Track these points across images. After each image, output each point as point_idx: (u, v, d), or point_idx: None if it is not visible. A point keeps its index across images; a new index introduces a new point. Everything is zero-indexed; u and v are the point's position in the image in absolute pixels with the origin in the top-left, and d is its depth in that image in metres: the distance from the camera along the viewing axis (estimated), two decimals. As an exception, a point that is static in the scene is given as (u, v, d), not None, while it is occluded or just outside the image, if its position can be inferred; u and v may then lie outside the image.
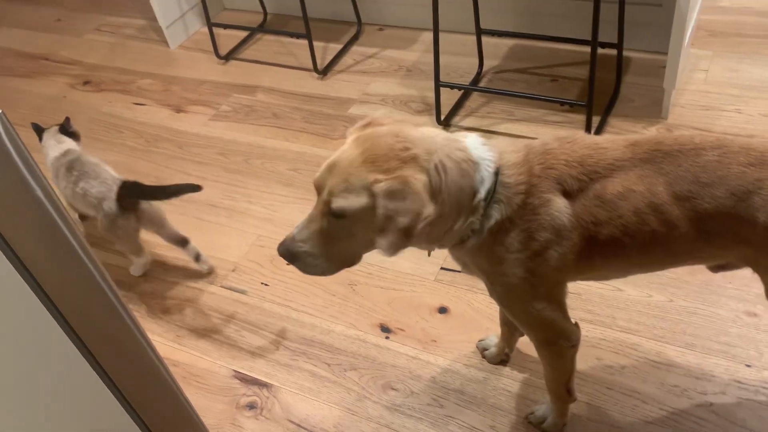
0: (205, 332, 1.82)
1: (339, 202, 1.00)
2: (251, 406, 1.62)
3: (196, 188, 1.77)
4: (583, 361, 1.58)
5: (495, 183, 1.08)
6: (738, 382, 1.48)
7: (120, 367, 1.13)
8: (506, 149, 1.13)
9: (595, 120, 2.20)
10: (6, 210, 0.86)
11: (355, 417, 1.56)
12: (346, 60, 2.78)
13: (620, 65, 2.28)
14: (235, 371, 1.71)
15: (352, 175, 1.00)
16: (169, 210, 2.25)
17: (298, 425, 1.56)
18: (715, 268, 1.27)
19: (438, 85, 2.25)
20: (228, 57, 2.93)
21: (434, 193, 1.02)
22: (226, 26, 2.94)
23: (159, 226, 1.91)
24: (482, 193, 1.07)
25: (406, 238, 1.00)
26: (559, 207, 1.10)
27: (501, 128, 2.29)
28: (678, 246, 1.13)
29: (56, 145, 2.01)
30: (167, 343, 1.81)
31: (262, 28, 3.06)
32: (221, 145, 2.47)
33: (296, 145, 2.39)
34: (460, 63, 2.59)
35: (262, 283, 1.92)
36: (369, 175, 1.00)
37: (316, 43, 2.84)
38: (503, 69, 2.54)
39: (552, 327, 1.25)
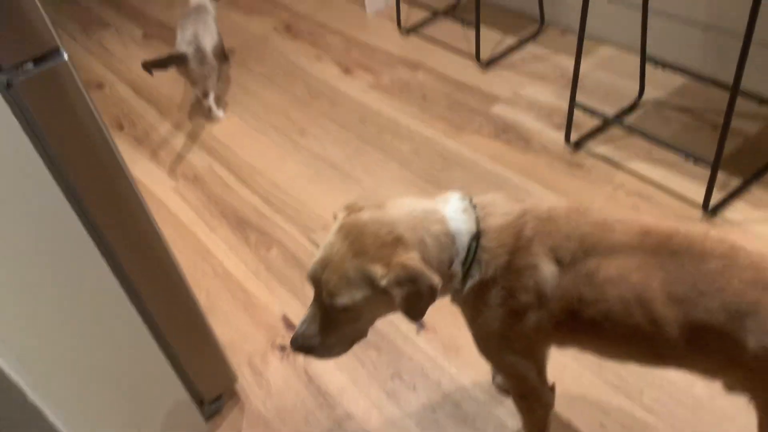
0: (279, 273, 2.05)
1: (342, 300, 1.04)
2: (282, 348, 1.83)
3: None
4: (587, 423, 1.53)
5: (476, 246, 1.10)
6: (736, 507, 1.34)
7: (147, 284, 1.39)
8: (496, 211, 1.12)
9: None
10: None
11: (356, 389, 1.69)
12: (514, 57, 2.77)
13: (786, 130, 2.00)
14: (284, 315, 1.92)
15: (349, 270, 1.03)
16: (294, 160, 2.51)
17: (310, 378, 1.74)
18: (727, 388, 1.16)
19: (572, 105, 2.18)
20: (410, 31, 3.08)
21: (428, 261, 1.06)
22: (411, 2, 3.07)
23: (203, 80, 2.68)
24: (457, 263, 1.10)
25: (428, 307, 1.06)
26: (545, 275, 1.08)
27: (632, 165, 2.16)
28: (665, 349, 1.07)
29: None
30: (248, 272, 2.08)
31: (448, 12, 3.13)
32: (365, 113, 2.65)
33: (429, 131, 2.48)
34: (622, 85, 2.45)
35: (340, 247, 2.10)
36: (365, 267, 1.02)
37: (492, 34, 2.87)
38: (664, 103, 2.36)
39: (523, 382, 1.26)
